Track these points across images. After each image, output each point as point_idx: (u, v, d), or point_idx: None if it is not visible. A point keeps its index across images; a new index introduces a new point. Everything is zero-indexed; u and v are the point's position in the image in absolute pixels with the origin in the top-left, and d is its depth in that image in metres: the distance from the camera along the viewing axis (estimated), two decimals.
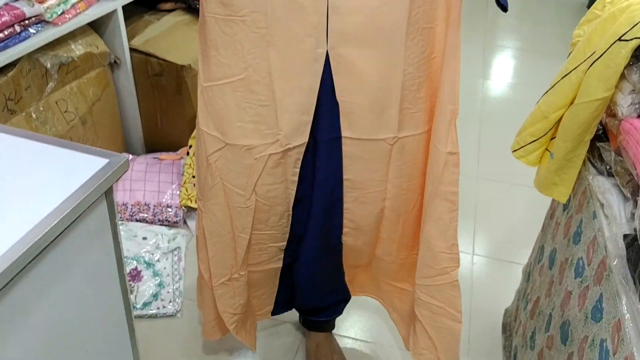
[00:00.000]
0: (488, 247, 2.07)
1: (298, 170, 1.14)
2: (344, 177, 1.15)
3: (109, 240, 0.82)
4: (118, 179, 0.78)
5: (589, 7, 4.00)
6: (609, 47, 1.06)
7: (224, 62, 1.06)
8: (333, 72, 1.04)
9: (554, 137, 1.25)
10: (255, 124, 1.09)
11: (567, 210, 1.32)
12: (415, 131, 1.13)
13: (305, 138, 1.10)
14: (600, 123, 1.20)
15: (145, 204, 1.93)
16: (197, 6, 1.18)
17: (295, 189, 1.17)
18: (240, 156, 1.12)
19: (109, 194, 0.78)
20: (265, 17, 1.01)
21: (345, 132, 1.10)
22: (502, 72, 3.30)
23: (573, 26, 4.29)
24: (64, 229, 0.69)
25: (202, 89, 1.12)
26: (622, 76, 1.07)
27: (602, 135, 1.20)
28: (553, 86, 1.20)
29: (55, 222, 0.66)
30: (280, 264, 1.32)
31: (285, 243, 1.27)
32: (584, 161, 1.23)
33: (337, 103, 1.07)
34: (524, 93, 3.06)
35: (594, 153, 1.20)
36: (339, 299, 1.51)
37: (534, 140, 1.26)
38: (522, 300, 1.55)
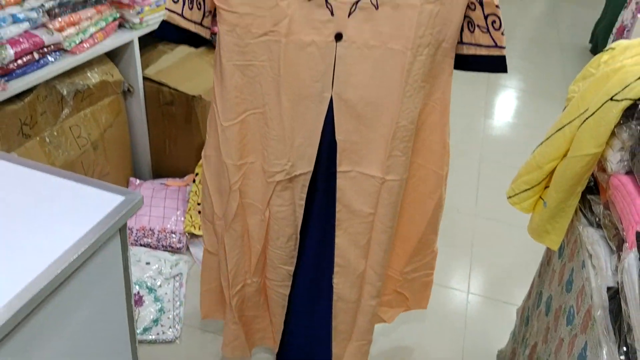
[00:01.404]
0: (483, 286, 2.10)
1: (305, 195, 1.27)
2: (337, 208, 1.28)
3: (119, 273, 0.87)
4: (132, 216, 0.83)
5: (592, 51, 4.09)
6: (601, 106, 1.11)
7: (247, 98, 1.19)
8: (335, 114, 1.18)
9: (548, 186, 1.30)
10: (268, 153, 1.23)
11: (561, 258, 1.37)
12: (403, 176, 1.25)
13: (310, 167, 1.24)
14: (592, 175, 1.25)
15: (150, 229, 1.98)
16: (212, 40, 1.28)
17: (302, 212, 1.29)
18: (259, 174, 1.27)
19: (122, 230, 0.83)
20: (278, 65, 1.13)
21: (340, 167, 1.23)
22: (504, 111, 3.37)
23: (576, 69, 4.38)
24: (80, 265, 0.74)
25: (224, 128, 1.22)
26: (613, 134, 1.13)
27: (594, 187, 1.25)
28: (548, 138, 1.26)
29: (73, 259, 0.71)
30: (288, 291, 1.43)
31: (292, 268, 1.38)
32: (575, 211, 1.28)
33: (336, 142, 1.20)
34: (524, 133, 3.12)
35: (585, 204, 1.25)
36: None
37: (528, 189, 1.31)
38: (521, 345, 1.57)
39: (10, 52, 1.50)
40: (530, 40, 4.40)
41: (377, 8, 1.08)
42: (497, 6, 1.12)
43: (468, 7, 1.12)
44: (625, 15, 3.00)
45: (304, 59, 1.12)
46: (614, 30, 3.13)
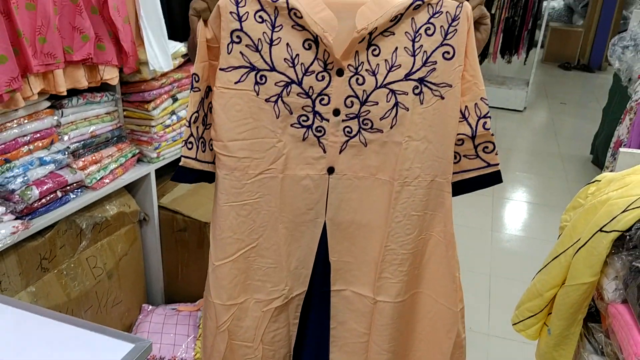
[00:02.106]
0: None
1: (299, 314, 1.32)
2: (332, 325, 1.32)
3: None
4: None
5: (593, 162, 4.19)
6: (591, 237, 1.17)
7: (239, 238, 1.25)
8: (328, 236, 1.26)
9: (552, 312, 1.32)
10: (263, 282, 1.28)
11: None
12: (395, 299, 1.26)
13: (305, 287, 1.29)
14: (593, 301, 1.27)
15: (161, 358, 1.98)
16: None
17: (296, 330, 1.32)
18: (251, 310, 1.29)
19: None
20: (275, 198, 1.22)
21: (334, 286, 1.29)
22: (511, 224, 3.41)
23: (579, 180, 4.42)
24: None
25: (215, 267, 1.26)
26: (607, 263, 1.17)
27: (595, 313, 1.27)
28: (545, 266, 1.30)
29: None
30: None
31: None
32: (581, 337, 1.29)
33: (329, 262, 1.27)
34: (533, 246, 3.14)
35: (589, 331, 1.26)
36: None
37: (532, 316, 1.33)
38: None
39: (36, 192, 1.60)
40: (531, 153, 4.54)
41: (365, 145, 1.19)
42: (492, 134, 1.19)
43: (455, 143, 1.20)
44: (620, 131, 3.12)
45: (299, 191, 1.22)
46: (612, 145, 3.23)
